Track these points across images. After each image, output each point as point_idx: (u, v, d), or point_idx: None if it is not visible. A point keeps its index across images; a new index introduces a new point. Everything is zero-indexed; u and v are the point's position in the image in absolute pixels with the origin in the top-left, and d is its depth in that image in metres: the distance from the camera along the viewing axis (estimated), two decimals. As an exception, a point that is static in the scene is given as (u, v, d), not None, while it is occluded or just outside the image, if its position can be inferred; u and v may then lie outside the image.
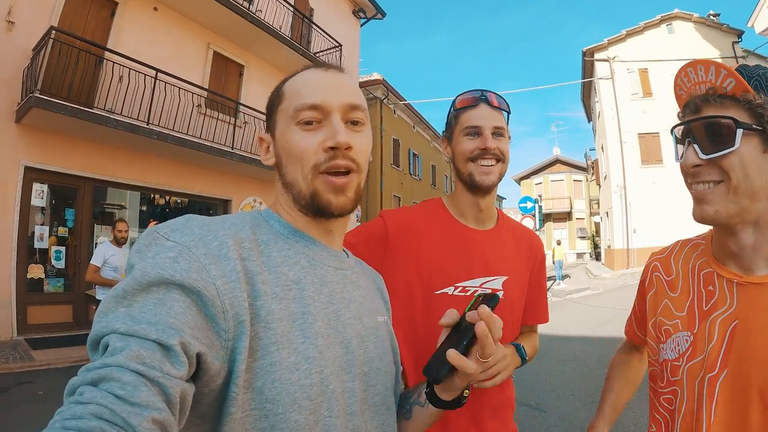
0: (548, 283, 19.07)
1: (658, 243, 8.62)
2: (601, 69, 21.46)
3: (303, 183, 0.78)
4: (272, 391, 0.65)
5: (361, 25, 17.13)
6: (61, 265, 8.24)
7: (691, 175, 0.86)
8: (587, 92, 25.95)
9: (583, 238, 35.12)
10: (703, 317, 0.90)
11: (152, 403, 0.50)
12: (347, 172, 0.79)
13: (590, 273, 21.60)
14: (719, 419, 0.83)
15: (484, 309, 0.72)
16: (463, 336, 0.74)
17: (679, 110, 0.92)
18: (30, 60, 7.45)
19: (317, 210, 0.79)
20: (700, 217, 0.86)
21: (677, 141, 0.92)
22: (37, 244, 7.90)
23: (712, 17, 19.79)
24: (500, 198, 48.12)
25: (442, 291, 1.25)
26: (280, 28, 11.89)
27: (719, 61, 0.82)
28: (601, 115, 21.91)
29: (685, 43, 19.66)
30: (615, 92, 20.41)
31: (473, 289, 1.27)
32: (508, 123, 1.36)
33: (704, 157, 0.82)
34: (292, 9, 12.56)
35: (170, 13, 10.03)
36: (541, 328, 1.49)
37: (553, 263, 19.80)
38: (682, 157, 0.88)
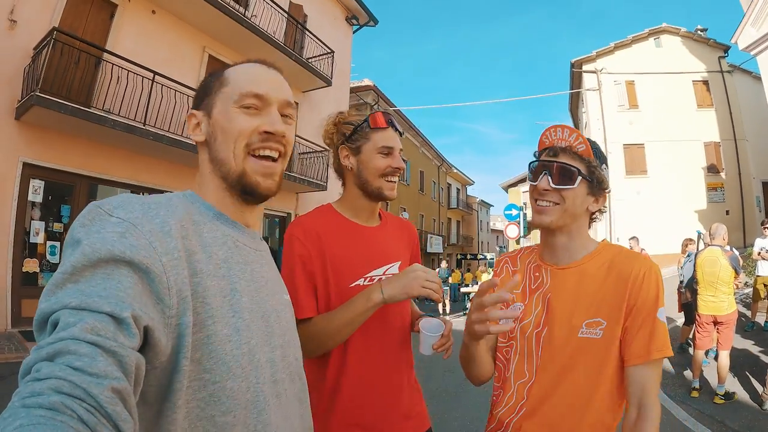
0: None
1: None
2: (588, 80, 21.57)
3: (233, 161, 0.84)
4: (209, 361, 0.69)
5: (354, 32, 17.41)
6: (55, 259, 8.35)
7: (540, 194, 1.24)
8: (575, 103, 26.11)
9: (569, 246, 34.76)
10: (531, 293, 1.31)
11: (110, 372, 0.50)
12: (276, 158, 0.89)
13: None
14: (543, 360, 1.21)
15: None
16: None
17: (538, 150, 1.30)
18: (31, 59, 7.62)
19: (244, 190, 0.86)
20: (538, 224, 1.25)
21: (532, 170, 1.28)
22: (32, 239, 8.03)
23: (699, 32, 19.92)
24: (487, 205, 47.59)
25: (355, 283, 1.42)
26: (274, 33, 12.14)
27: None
28: (587, 125, 21.98)
29: (672, 56, 19.90)
30: (602, 103, 20.45)
31: (378, 277, 1.46)
32: None
33: (553, 186, 1.21)
34: (286, 15, 12.85)
35: (168, 17, 10.24)
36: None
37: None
38: (537, 180, 1.24)
